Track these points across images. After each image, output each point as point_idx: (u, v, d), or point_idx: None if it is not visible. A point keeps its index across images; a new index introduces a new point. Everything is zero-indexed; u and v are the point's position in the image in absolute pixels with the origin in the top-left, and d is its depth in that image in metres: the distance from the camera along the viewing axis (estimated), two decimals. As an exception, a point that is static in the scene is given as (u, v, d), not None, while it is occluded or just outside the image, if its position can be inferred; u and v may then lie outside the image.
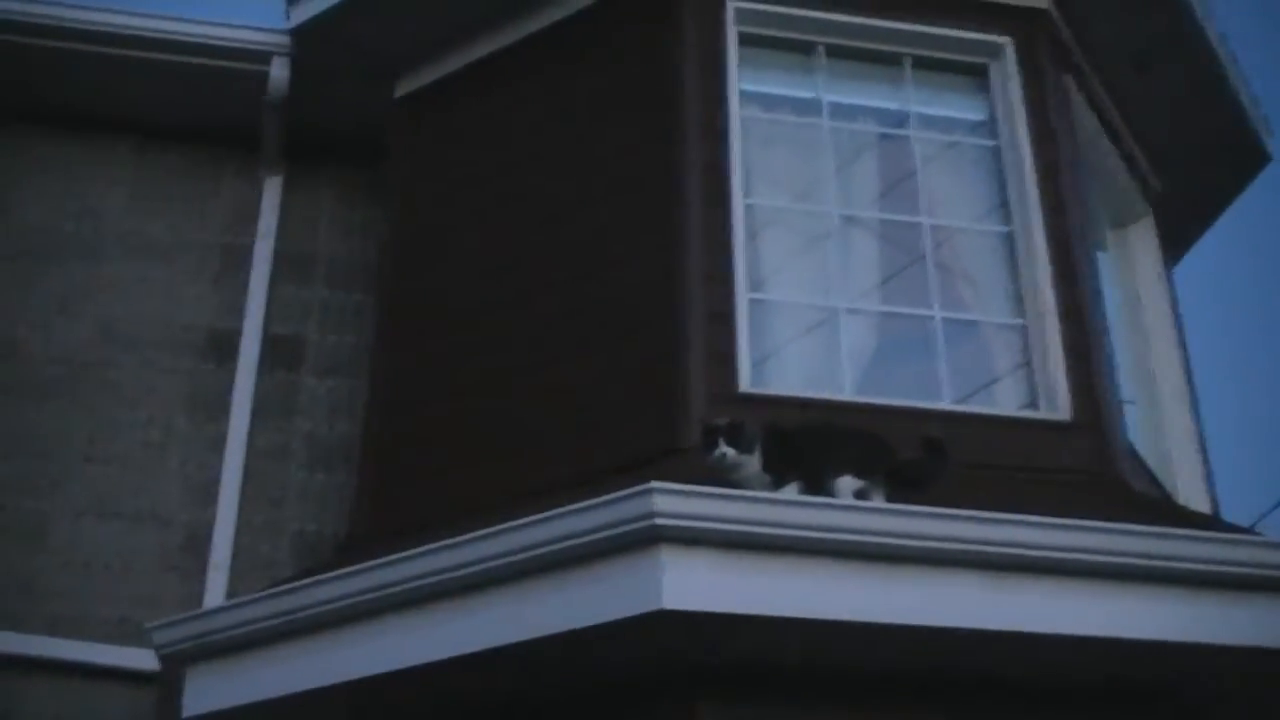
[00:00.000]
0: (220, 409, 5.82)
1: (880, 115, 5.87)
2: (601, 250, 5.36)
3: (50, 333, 5.91)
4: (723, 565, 4.03)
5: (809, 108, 5.77)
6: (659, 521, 3.98)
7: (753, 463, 4.26)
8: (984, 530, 4.15)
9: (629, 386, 4.99)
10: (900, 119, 5.84)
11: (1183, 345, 6.81)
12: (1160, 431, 6.49)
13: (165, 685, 4.90)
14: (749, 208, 5.38)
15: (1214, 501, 6.49)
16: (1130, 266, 6.93)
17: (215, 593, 5.51)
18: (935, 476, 4.38)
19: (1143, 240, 7.01)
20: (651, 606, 3.96)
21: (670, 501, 4.00)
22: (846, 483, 4.26)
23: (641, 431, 4.86)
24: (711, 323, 5.04)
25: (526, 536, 4.15)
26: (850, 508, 4.19)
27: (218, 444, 5.75)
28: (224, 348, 5.98)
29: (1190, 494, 6.35)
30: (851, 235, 5.59)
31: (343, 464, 5.81)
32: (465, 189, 5.88)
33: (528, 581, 4.16)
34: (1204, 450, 6.61)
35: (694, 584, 3.99)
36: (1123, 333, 6.59)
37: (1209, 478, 6.55)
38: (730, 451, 4.22)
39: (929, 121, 5.85)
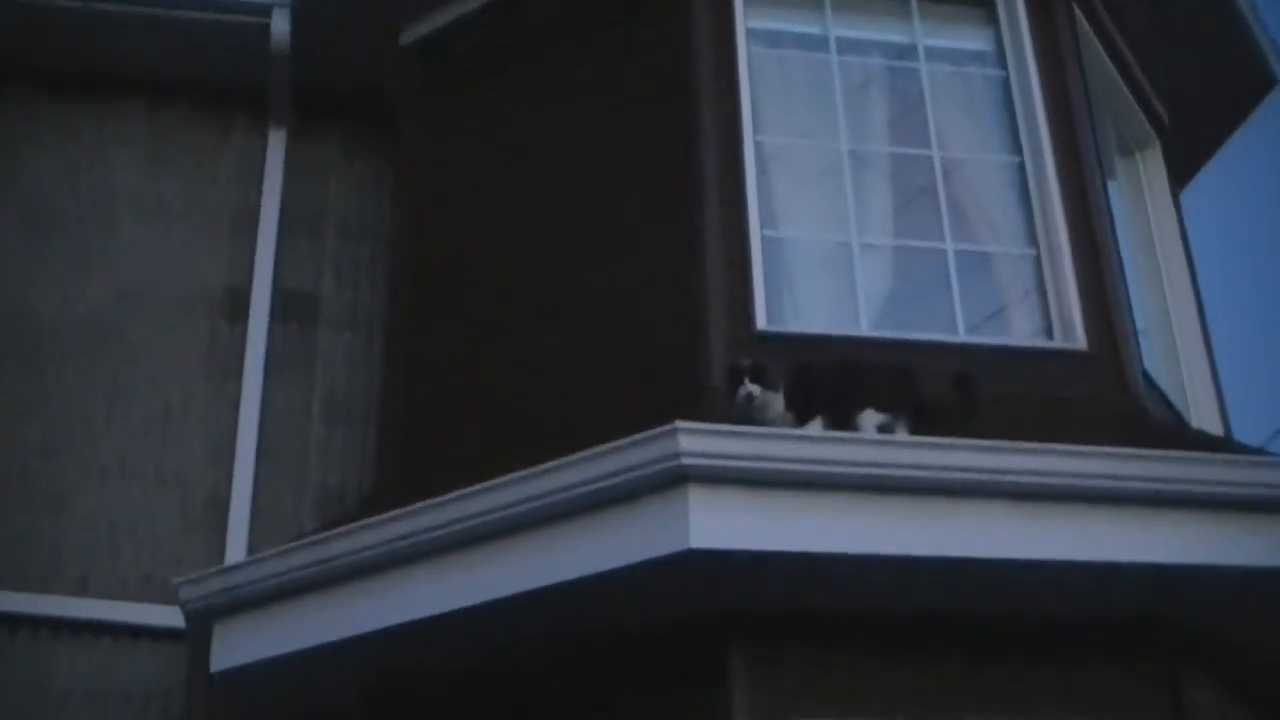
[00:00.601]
0: (238, 368, 5.80)
1: (888, 49, 5.84)
2: (616, 196, 5.34)
3: (66, 297, 5.87)
4: (750, 503, 4.05)
5: (816, 43, 5.73)
6: (685, 461, 4.00)
7: (778, 401, 4.27)
8: (1009, 460, 4.17)
9: (649, 331, 4.99)
10: (908, 52, 5.81)
11: (1193, 272, 6.80)
12: (1172, 357, 6.49)
13: (194, 642, 4.92)
14: (759, 145, 5.36)
15: (1226, 425, 6.51)
16: (1139, 195, 6.91)
17: (236, 551, 5.50)
18: (965, 413, 4.39)
19: (1151, 168, 6.98)
20: (679, 546, 3.98)
21: (695, 441, 4.02)
22: (869, 417, 4.27)
23: (664, 375, 4.86)
24: (727, 263, 5.03)
25: (553, 481, 4.17)
26: (875, 441, 4.21)
27: (236, 403, 5.73)
28: (239, 306, 5.94)
29: (1203, 418, 6.36)
30: (862, 170, 5.57)
31: (362, 419, 5.80)
32: (478, 142, 5.85)
33: (555, 526, 4.18)
34: (1215, 374, 6.62)
35: (721, 523, 4.02)
36: (1133, 260, 6.57)
37: (1221, 401, 6.56)
38: (756, 389, 4.24)
39: (937, 54, 5.82)
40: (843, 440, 4.18)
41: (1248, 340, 15.20)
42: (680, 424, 4.01)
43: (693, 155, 5.22)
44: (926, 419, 4.34)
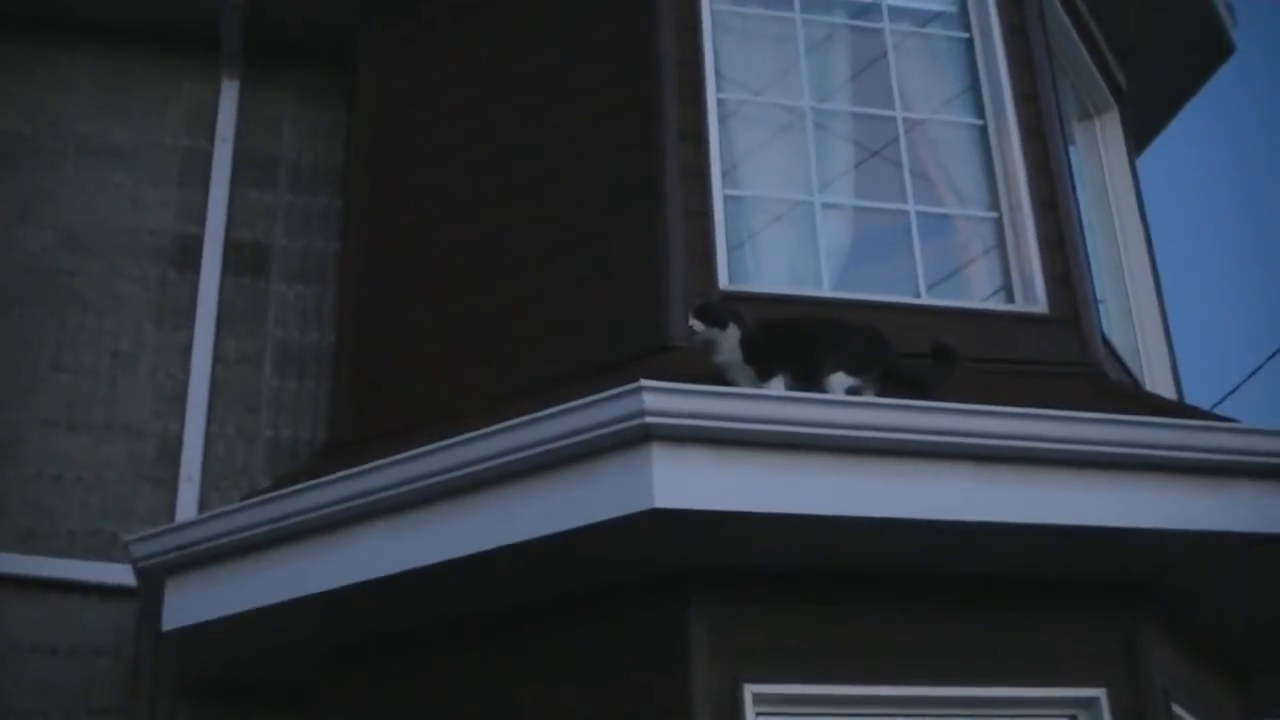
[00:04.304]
0: (188, 317, 5.69)
1: (851, 8, 5.79)
2: (580, 149, 5.26)
3: (12, 240, 5.73)
4: (714, 462, 4.03)
5: (780, 1, 5.68)
6: (649, 420, 3.97)
7: (730, 343, 4.24)
8: (973, 422, 4.17)
9: (611, 286, 4.93)
10: (872, 11, 5.77)
11: (1148, 237, 6.84)
12: (1128, 321, 6.54)
13: (145, 598, 4.85)
14: (722, 103, 5.31)
15: (1179, 389, 6.57)
16: (1097, 160, 6.94)
17: (187, 503, 5.42)
18: (939, 383, 4.38)
19: (1109, 134, 7.01)
20: (643, 505, 3.96)
21: (660, 399, 3.98)
22: (839, 379, 4.25)
23: (624, 331, 4.82)
24: (689, 220, 4.98)
25: (516, 438, 4.12)
26: (839, 402, 4.20)
27: (187, 353, 5.63)
28: (190, 255, 5.83)
29: (1157, 382, 6.41)
30: (825, 130, 5.53)
31: (315, 370, 5.72)
32: (439, 87, 5.74)
33: (518, 483, 4.14)
34: (1169, 338, 6.67)
35: (685, 482, 4.00)
36: (1090, 225, 6.60)
37: (1174, 365, 6.61)
38: (698, 325, 4.22)
39: (901, 14, 5.78)
40: (808, 400, 4.16)
41: (1200, 304, 15.46)
42: (645, 382, 3.97)
43: (656, 111, 5.16)
44: (903, 387, 4.33)
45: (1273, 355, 7.97)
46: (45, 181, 5.87)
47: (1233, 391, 8.24)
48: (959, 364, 4.46)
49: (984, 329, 5.07)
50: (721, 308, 4.32)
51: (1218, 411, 5.47)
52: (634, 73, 5.27)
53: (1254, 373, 8.23)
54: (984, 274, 5.38)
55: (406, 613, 4.51)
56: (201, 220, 5.90)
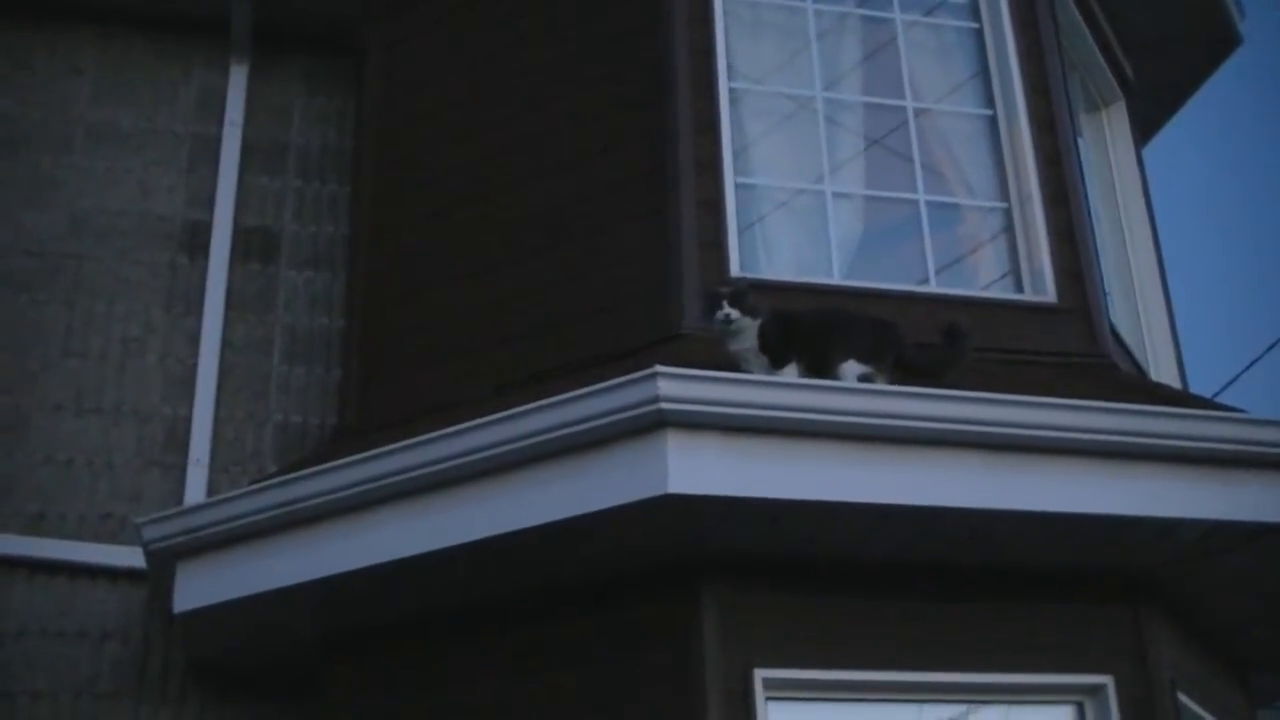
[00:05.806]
0: (198, 302, 5.69)
1: (862, -2, 5.81)
2: (590, 138, 5.26)
3: (20, 225, 5.72)
4: (728, 449, 4.04)
5: (792, -10, 5.70)
6: (664, 405, 3.97)
7: (752, 330, 4.26)
8: (983, 411, 4.18)
9: (621, 275, 4.94)
10: (883, 1, 5.78)
11: (1154, 228, 6.86)
12: (1133, 312, 6.56)
13: (154, 582, 4.86)
14: (733, 92, 5.32)
15: (1184, 379, 6.58)
16: (1103, 153, 6.96)
17: (196, 488, 5.43)
18: (950, 365, 4.39)
19: (1115, 126, 7.03)
20: (657, 491, 3.97)
21: (675, 386, 3.99)
22: (850, 368, 4.27)
23: (635, 319, 4.82)
24: (701, 209, 4.98)
25: (530, 423, 4.12)
26: (852, 390, 4.21)
27: (196, 338, 5.63)
28: (199, 241, 5.83)
29: (1162, 371, 6.43)
30: (835, 119, 5.54)
31: (323, 356, 5.73)
32: (448, 75, 5.74)
33: (532, 468, 4.15)
34: (1174, 329, 6.69)
35: (699, 468, 4.01)
36: (1096, 216, 6.61)
37: (1180, 359, 6.63)
38: (734, 312, 4.23)
39: (911, 3, 5.79)
40: (821, 388, 4.17)
41: (1205, 295, 15.54)
42: (660, 368, 3.98)
43: (669, 100, 5.15)
44: (915, 374, 4.34)
45: (1271, 347, 8.00)
46: (54, 167, 5.86)
47: (1231, 383, 8.26)
48: (970, 345, 4.47)
49: (993, 319, 5.08)
50: (752, 298, 4.32)
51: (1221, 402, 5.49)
52: (646, 62, 5.27)
53: (1252, 364, 8.24)
54: (993, 264, 5.40)
55: (414, 600, 4.52)
56: (210, 206, 5.90)
